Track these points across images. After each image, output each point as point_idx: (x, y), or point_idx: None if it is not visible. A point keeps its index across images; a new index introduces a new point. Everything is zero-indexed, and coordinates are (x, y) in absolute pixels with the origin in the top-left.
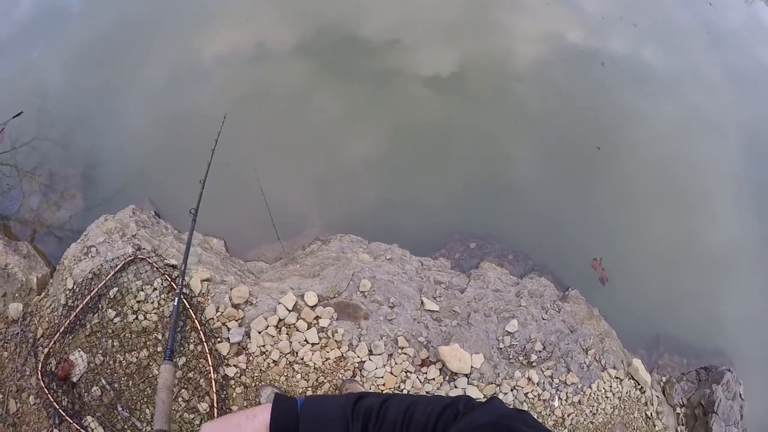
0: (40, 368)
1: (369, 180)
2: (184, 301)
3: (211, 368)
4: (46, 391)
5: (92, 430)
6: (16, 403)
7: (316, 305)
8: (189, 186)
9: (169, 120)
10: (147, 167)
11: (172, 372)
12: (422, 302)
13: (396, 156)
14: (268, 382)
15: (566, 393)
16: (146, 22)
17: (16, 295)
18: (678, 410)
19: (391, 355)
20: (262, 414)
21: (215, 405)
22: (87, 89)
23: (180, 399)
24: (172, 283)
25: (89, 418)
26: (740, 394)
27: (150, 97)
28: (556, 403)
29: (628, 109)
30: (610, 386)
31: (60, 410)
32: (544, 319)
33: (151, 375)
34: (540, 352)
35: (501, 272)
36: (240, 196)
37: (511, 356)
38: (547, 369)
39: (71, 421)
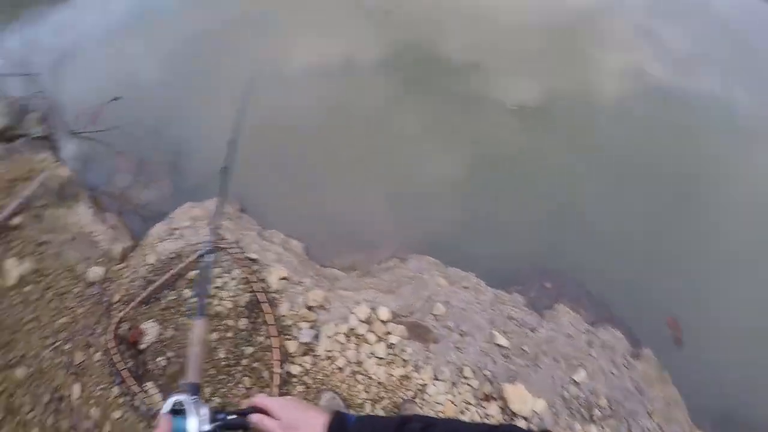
0: (113, 329)
1: (449, 203)
2: (259, 295)
3: (278, 362)
4: (114, 351)
5: (151, 395)
6: (83, 355)
7: (388, 321)
8: (275, 186)
9: (254, 122)
10: (236, 163)
11: (204, 327)
12: (492, 336)
13: (476, 182)
14: (329, 387)
15: None
16: (242, 25)
17: (99, 260)
18: None
19: (454, 384)
20: (318, 420)
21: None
22: (182, 82)
23: (241, 386)
24: (249, 277)
25: (150, 384)
26: None
27: (234, 96)
28: None
29: (722, 156)
30: None
31: (123, 370)
32: (612, 373)
33: (217, 357)
34: (604, 408)
35: (574, 317)
36: (323, 204)
37: (573, 407)
38: (608, 427)
39: (132, 382)
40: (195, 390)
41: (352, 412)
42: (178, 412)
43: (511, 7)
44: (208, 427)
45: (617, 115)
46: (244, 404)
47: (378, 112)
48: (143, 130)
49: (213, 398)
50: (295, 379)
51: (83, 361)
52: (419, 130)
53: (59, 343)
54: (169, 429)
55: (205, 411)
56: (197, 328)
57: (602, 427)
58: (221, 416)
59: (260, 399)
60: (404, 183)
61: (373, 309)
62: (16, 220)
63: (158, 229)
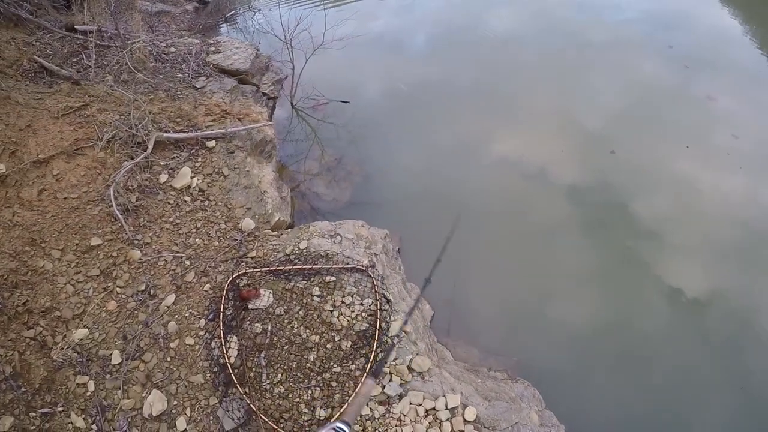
0: (234, 276)
1: (572, 348)
2: (377, 331)
3: (366, 379)
4: (224, 293)
5: (229, 347)
6: (194, 278)
7: (470, 422)
8: (430, 248)
9: (439, 183)
10: (409, 211)
11: (373, 386)
12: None
13: (605, 343)
14: None
15: None
16: (465, 93)
17: (256, 216)
18: None
19: None
20: None
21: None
22: (396, 116)
23: (309, 392)
24: (378, 312)
25: (234, 338)
26: None
27: (433, 153)
28: None
29: None
30: None
31: (222, 313)
32: None
33: (305, 357)
34: None
35: None
36: (468, 291)
37: None
38: None
39: (221, 327)
40: (348, 426)
41: None
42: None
43: (718, 193)
44: None
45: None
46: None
47: (546, 231)
48: (350, 137)
49: (279, 386)
50: (359, 418)
51: (192, 282)
52: (575, 266)
53: (183, 256)
54: None
55: None
56: (369, 385)
57: None
58: None
59: None
60: (541, 308)
61: (464, 404)
62: (211, 143)
63: (323, 225)
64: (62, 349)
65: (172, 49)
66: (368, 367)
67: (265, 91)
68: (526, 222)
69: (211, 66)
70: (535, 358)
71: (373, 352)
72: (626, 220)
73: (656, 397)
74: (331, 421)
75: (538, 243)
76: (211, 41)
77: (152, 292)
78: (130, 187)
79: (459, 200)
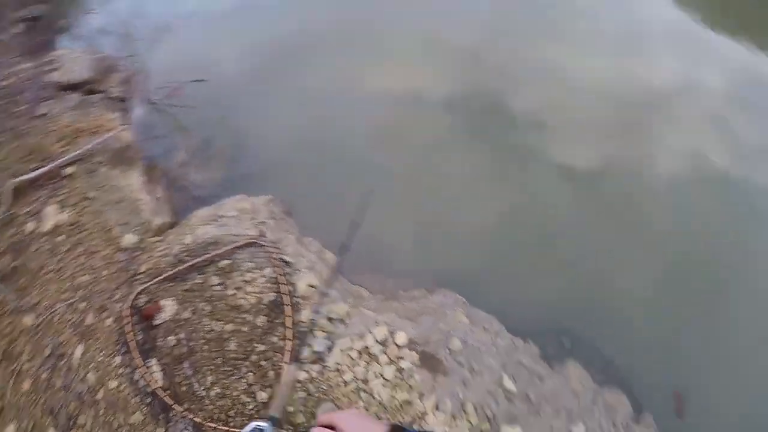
0: (131, 299)
1: (483, 247)
2: (284, 297)
3: (287, 366)
4: (128, 321)
5: (152, 372)
6: (94, 318)
7: (403, 346)
8: (321, 197)
9: (318, 131)
10: (291, 167)
11: (295, 372)
12: (501, 378)
13: (512, 232)
14: (331, 398)
15: None
16: (324, 37)
17: (136, 228)
18: None
19: (454, 417)
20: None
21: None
22: (258, 79)
23: (244, 381)
24: (280, 278)
25: (154, 361)
26: None
27: (305, 105)
28: None
29: (761, 253)
30: None
31: (131, 342)
32: None
33: (227, 348)
34: None
35: (583, 374)
36: (364, 224)
37: None
38: None
39: (137, 356)
40: (275, 422)
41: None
42: None
43: (590, 74)
44: None
45: (668, 195)
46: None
47: (433, 148)
48: (214, 115)
49: (213, 387)
50: (299, 385)
51: (93, 324)
52: (468, 172)
53: (75, 300)
54: None
55: None
56: (290, 372)
57: None
58: None
59: (325, 416)
60: (444, 219)
61: (391, 332)
62: (69, 170)
63: (203, 212)
64: None
65: (4, 83)
66: (288, 334)
67: (115, 95)
68: (413, 145)
69: (52, 86)
70: (449, 266)
71: (290, 317)
72: (509, 118)
73: (574, 270)
74: (253, 420)
75: (429, 161)
76: (48, 59)
77: (59, 352)
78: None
79: (340, 143)
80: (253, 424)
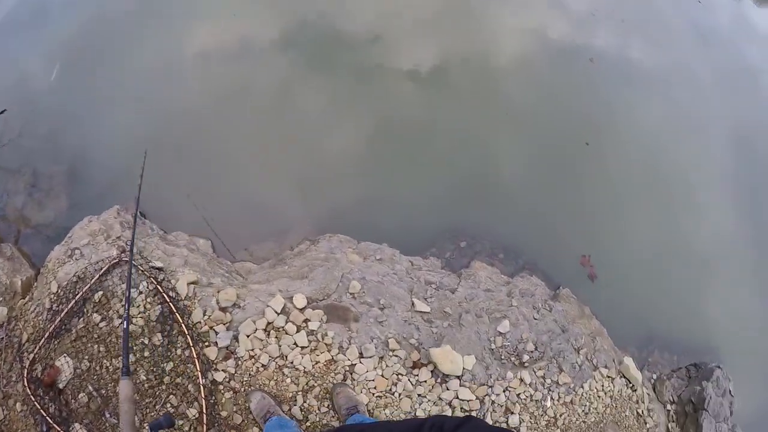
0: (26, 374)
1: (355, 178)
2: (170, 304)
3: (200, 373)
4: (33, 398)
5: None
6: (3, 410)
7: (305, 308)
8: (174, 185)
9: (151, 118)
10: (132, 167)
11: (130, 386)
12: (413, 303)
13: (381, 153)
14: (257, 386)
15: (558, 393)
16: (128, 17)
17: (0, 299)
18: (668, 407)
19: (382, 358)
20: None
21: (205, 411)
22: (70, 86)
23: (168, 405)
24: (158, 287)
25: (77, 425)
26: (730, 391)
27: (131, 95)
28: (549, 404)
29: (616, 106)
30: (602, 385)
31: (47, 417)
32: (535, 318)
33: (138, 381)
34: (532, 352)
35: (492, 271)
36: (228, 196)
37: (503, 357)
38: (539, 369)
39: (58, 429)
40: None
41: (286, 416)
42: None
43: None
44: None
45: (517, 74)
46: None
47: (278, 93)
48: (35, 142)
49: (144, 425)
50: (221, 386)
51: (5, 416)
52: (320, 106)
53: None
54: None
55: None
56: (124, 387)
57: (534, 371)
58: None
59: None
60: (308, 162)
61: (289, 298)
62: None
63: (57, 251)
64: None
65: None
66: (189, 341)
67: None
68: (259, 96)
69: None
70: (325, 207)
71: (182, 324)
72: (344, 41)
73: (448, 168)
74: None
75: (280, 107)
76: None
77: None
78: None
79: (178, 123)
80: None
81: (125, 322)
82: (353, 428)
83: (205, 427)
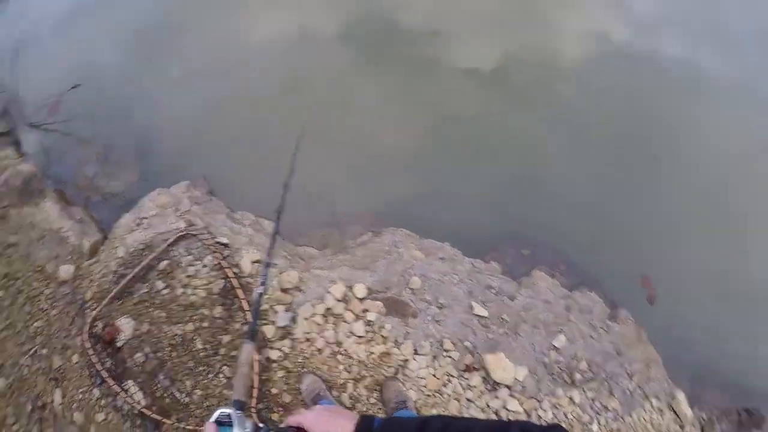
0: (87, 329)
1: (418, 173)
2: (232, 280)
3: (242, 345)
4: (91, 352)
5: (132, 394)
6: (61, 359)
7: (364, 298)
8: (243, 166)
9: (218, 100)
10: (202, 145)
11: (252, 350)
12: (471, 306)
13: (441, 150)
14: (310, 369)
15: (606, 418)
16: (195, 3)
17: (68, 258)
18: None
19: (435, 357)
20: (347, 427)
21: (256, 386)
22: (141, 65)
23: (222, 375)
24: (222, 262)
25: (130, 382)
26: None
27: (196, 77)
28: (595, 428)
29: (687, 119)
30: (650, 417)
31: (102, 371)
32: (592, 337)
33: (194, 349)
34: (585, 372)
35: (552, 283)
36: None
37: (555, 372)
38: (590, 390)
39: (112, 383)
40: (240, 406)
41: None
42: (223, 423)
43: None
44: None
45: (579, 79)
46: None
47: (338, 84)
48: (106, 116)
49: (194, 391)
50: (275, 365)
51: (62, 366)
52: (381, 100)
53: (36, 348)
54: None
55: (249, 425)
56: (246, 350)
57: (584, 391)
58: (263, 430)
59: (294, 418)
60: (371, 154)
61: (349, 287)
62: None
63: (126, 219)
64: None
65: None
66: (248, 317)
67: None
68: (319, 85)
69: None
70: (388, 200)
71: (243, 299)
72: (405, 34)
73: (509, 171)
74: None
75: (338, 97)
76: None
77: (39, 403)
78: None
79: (243, 105)
80: (218, 412)
81: (262, 288)
82: (443, 419)
83: (254, 400)
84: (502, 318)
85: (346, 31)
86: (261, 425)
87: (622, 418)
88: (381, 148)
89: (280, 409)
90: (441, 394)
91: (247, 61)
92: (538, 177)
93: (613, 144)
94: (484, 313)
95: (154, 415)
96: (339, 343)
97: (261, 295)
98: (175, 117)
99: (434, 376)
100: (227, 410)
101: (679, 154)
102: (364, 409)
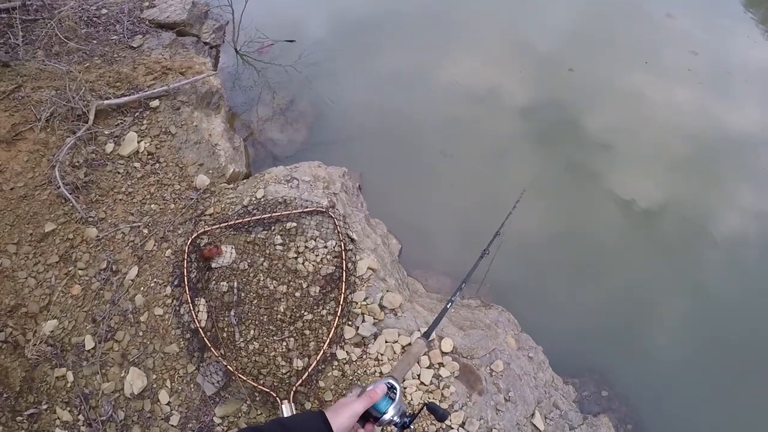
0: (193, 236)
1: (540, 269)
2: (344, 272)
3: (328, 340)
4: (185, 255)
5: (198, 311)
6: (154, 245)
7: (447, 353)
8: (396, 182)
9: (394, 112)
10: (367, 145)
11: (423, 347)
12: (533, 414)
13: (570, 259)
14: (363, 385)
15: None
16: (413, 17)
17: (210, 171)
18: None
19: None
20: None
21: (309, 370)
22: (344, 50)
23: (284, 344)
24: (343, 253)
25: (202, 301)
26: None
27: (386, 83)
28: None
29: None
30: None
31: (186, 277)
32: None
33: (275, 309)
34: None
35: None
36: (432, 217)
37: None
38: None
39: (187, 291)
40: (398, 382)
41: None
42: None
43: (671, 107)
44: (398, 419)
45: (728, 252)
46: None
47: (501, 149)
48: (300, 77)
49: (253, 342)
50: (336, 363)
51: (152, 251)
52: (530, 179)
53: (140, 225)
54: (378, 397)
55: (403, 407)
56: (418, 345)
57: None
58: (408, 418)
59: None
60: (504, 228)
61: (440, 336)
62: (154, 103)
63: (279, 170)
64: (35, 345)
65: (104, 11)
66: (339, 311)
67: (207, 41)
68: (482, 142)
69: (146, 22)
70: (505, 281)
71: (342, 294)
72: (579, 135)
73: (620, 302)
74: (383, 378)
75: (495, 163)
76: None
77: (114, 268)
78: (77, 164)
79: (414, 127)
80: (387, 380)
81: (449, 303)
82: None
83: (300, 381)
84: None
85: (525, 106)
86: (408, 411)
87: None
88: (515, 224)
89: (317, 401)
90: None
91: (432, 91)
92: (647, 331)
93: (735, 334)
94: (541, 426)
95: (205, 339)
96: (402, 379)
97: (446, 309)
98: (354, 107)
99: None
100: (394, 382)
101: None
102: None
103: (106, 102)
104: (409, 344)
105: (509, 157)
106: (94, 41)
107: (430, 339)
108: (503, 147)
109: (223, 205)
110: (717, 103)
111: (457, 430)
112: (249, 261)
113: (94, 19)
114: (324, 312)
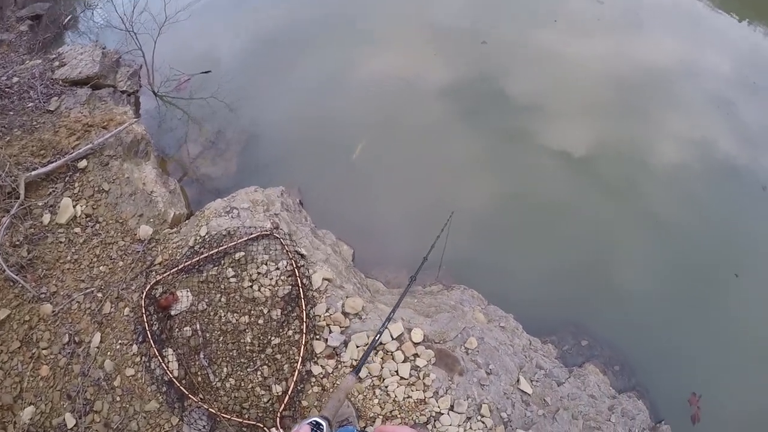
0: (147, 289)
1: (494, 239)
2: (301, 289)
3: (300, 359)
4: (143, 310)
5: (168, 362)
6: (111, 307)
7: (419, 343)
8: (334, 189)
9: (320, 121)
10: (299, 158)
11: (353, 382)
12: (518, 380)
13: (520, 222)
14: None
15: None
16: (320, 27)
17: (151, 220)
18: None
19: (469, 419)
20: None
21: (289, 393)
22: (261, 71)
23: (260, 373)
24: (296, 270)
25: (170, 351)
26: None
27: (308, 95)
28: None
29: None
30: None
31: (148, 331)
32: None
33: (242, 341)
34: None
35: (602, 380)
36: (376, 216)
37: None
38: None
39: (153, 345)
40: (328, 421)
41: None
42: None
43: (588, 56)
44: None
45: (672, 184)
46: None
47: (432, 134)
48: (223, 106)
49: (229, 379)
50: (313, 379)
51: (111, 312)
52: (467, 156)
53: (93, 289)
54: None
55: None
56: (348, 381)
57: None
58: None
59: (380, 428)
60: (450, 207)
61: (408, 329)
62: (82, 164)
63: (217, 204)
64: None
65: (15, 79)
66: (304, 328)
67: (124, 89)
68: (411, 131)
69: (60, 82)
70: (462, 258)
71: (304, 311)
72: (505, 103)
73: (579, 252)
74: (309, 416)
75: (430, 147)
76: (53, 55)
77: (77, 339)
78: (17, 243)
79: (345, 133)
80: (313, 419)
81: (374, 341)
82: None
83: (283, 406)
84: (544, 400)
85: (446, 85)
86: None
87: None
88: (460, 201)
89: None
90: None
91: (352, 93)
92: (611, 273)
93: (694, 255)
94: (528, 390)
95: (181, 388)
96: (381, 378)
97: (375, 340)
98: (281, 125)
99: None
100: (321, 421)
101: (753, 284)
102: None
103: (33, 173)
104: (382, 345)
105: (443, 139)
106: (11, 113)
107: (359, 373)
108: (435, 131)
109: (170, 251)
110: (631, 44)
111: (448, 414)
112: (206, 300)
113: (6, 89)
114: (290, 332)
